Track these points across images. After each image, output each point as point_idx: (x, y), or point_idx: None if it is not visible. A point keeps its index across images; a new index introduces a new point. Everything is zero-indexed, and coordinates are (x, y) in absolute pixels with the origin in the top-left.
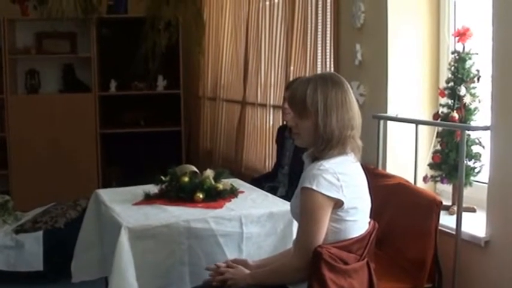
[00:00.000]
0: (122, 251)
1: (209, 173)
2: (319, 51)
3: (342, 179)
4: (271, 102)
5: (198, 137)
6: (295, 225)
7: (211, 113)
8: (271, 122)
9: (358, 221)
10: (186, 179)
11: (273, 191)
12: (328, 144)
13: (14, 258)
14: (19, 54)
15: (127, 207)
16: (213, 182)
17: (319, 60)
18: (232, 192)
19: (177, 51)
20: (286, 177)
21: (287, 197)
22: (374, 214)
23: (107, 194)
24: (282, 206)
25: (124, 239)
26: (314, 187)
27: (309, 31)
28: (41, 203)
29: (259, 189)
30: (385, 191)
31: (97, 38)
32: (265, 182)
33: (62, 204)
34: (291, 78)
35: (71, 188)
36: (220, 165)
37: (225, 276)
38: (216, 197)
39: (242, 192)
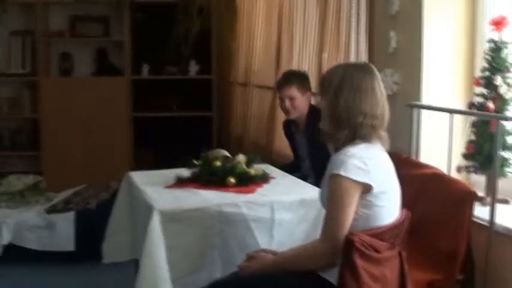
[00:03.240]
0: (153, 233)
1: (241, 158)
2: (353, 38)
3: (369, 163)
4: None
5: (229, 122)
6: None
7: (243, 99)
8: None
9: (389, 206)
10: (218, 163)
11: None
12: (335, 126)
13: (46, 238)
14: (53, 37)
15: (159, 190)
16: (245, 167)
17: (352, 47)
18: (264, 178)
19: (209, 36)
20: (310, 170)
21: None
22: (407, 203)
23: (139, 177)
24: (314, 193)
25: (156, 221)
26: (342, 172)
27: (342, 17)
28: (73, 185)
29: (291, 176)
30: (419, 181)
31: (130, 22)
32: (291, 172)
33: (94, 186)
34: (324, 65)
35: (102, 171)
36: (251, 151)
37: (248, 264)
38: (247, 182)
39: (273, 178)
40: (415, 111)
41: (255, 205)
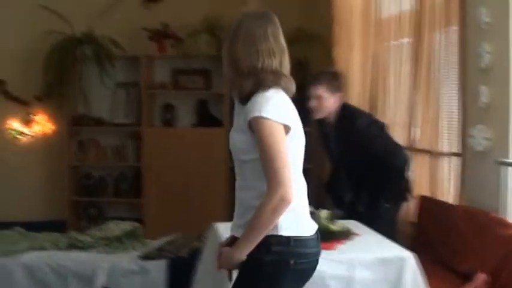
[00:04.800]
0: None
1: (324, 213)
2: (445, 91)
3: (283, 105)
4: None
5: (324, 174)
6: (408, 271)
7: None
8: None
9: (299, 143)
10: None
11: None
12: (237, 73)
13: (139, 283)
14: (156, 89)
15: None
16: (326, 223)
17: (445, 101)
18: (346, 234)
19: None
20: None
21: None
22: (494, 265)
23: (223, 227)
24: (397, 251)
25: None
26: (264, 114)
27: (434, 71)
28: (171, 232)
29: (376, 233)
30: (507, 242)
31: None
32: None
33: (188, 235)
34: (417, 119)
35: (200, 220)
36: None
37: (220, 264)
38: (328, 238)
39: (357, 234)
40: (503, 168)
41: (334, 262)
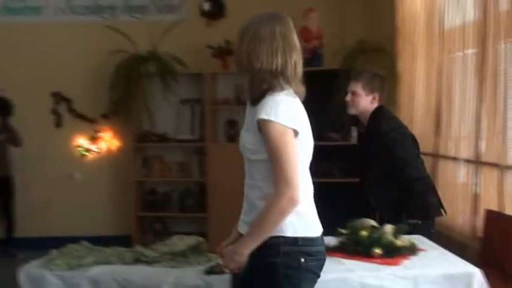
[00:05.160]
0: None
1: (388, 228)
2: (510, 104)
3: (294, 109)
4: (463, 156)
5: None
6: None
7: None
8: (460, 178)
9: (306, 146)
10: (365, 233)
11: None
12: (240, 71)
13: None
14: (219, 105)
15: None
16: (391, 238)
17: (509, 113)
18: (412, 250)
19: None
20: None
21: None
22: None
23: None
24: (463, 267)
25: None
26: (272, 118)
27: (500, 82)
28: None
29: (441, 248)
30: None
31: None
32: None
33: None
34: (484, 131)
35: None
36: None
37: (223, 266)
38: (393, 253)
39: (422, 250)
40: None
41: (399, 278)
